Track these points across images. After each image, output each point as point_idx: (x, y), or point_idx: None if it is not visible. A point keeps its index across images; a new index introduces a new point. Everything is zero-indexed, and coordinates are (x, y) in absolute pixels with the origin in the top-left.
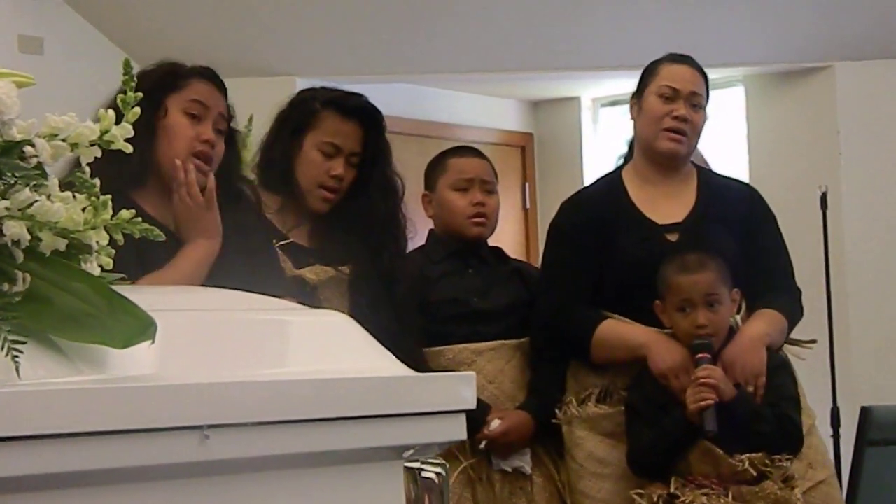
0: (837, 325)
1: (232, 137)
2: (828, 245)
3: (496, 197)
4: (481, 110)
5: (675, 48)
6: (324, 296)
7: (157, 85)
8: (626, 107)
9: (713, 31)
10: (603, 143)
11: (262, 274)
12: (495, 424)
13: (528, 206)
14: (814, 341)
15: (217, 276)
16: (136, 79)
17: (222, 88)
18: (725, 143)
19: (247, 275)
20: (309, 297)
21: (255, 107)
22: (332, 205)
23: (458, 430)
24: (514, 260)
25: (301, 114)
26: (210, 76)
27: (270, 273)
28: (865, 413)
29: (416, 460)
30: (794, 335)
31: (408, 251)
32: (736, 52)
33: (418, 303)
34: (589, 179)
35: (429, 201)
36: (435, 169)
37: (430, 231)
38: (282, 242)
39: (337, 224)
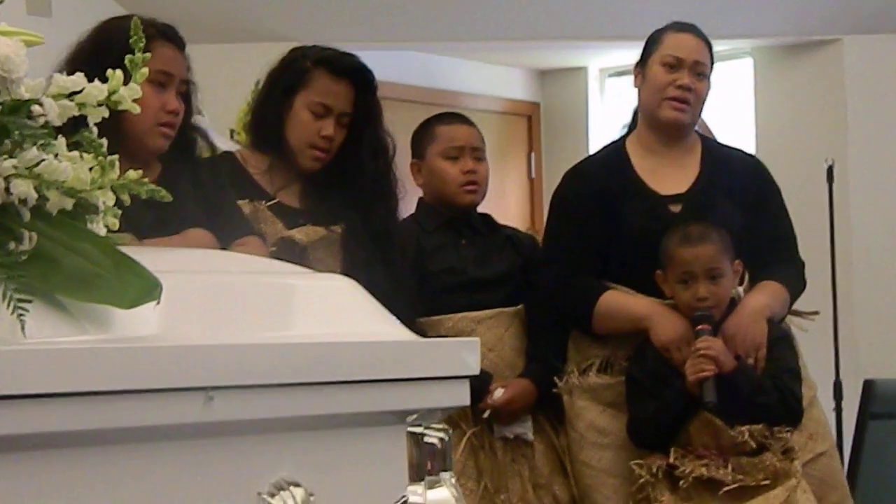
0: (841, 298)
1: (187, 91)
2: (833, 218)
3: (486, 164)
4: (488, 79)
5: (683, 18)
6: (315, 256)
7: (124, 49)
8: (634, 77)
9: (722, 1)
10: (610, 113)
11: (221, 219)
12: (499, 393)
13: (533, 175)
14: (816, 313)
15: (176, 225)
16: (96, 40)
17: (183, 47)
18: (733, 115)
19: (205, 222)
20: (298, 257)
21: (261, 72)
22: (323, 164)
23: (461, 396)
24: (505, 227)
25: (292, 73)
26: (172, 36)
27: (229, 218)
28: (868, 386)
29: (420, 425)
30: (797, 307)
31: (400, 215)
32: (744, 23)
33: (416, 272)
34: (595, 149)
35: (418, 170)
36: (423, 137)
37: (420, 199)
38: (269, 203)
39: (327, 184)
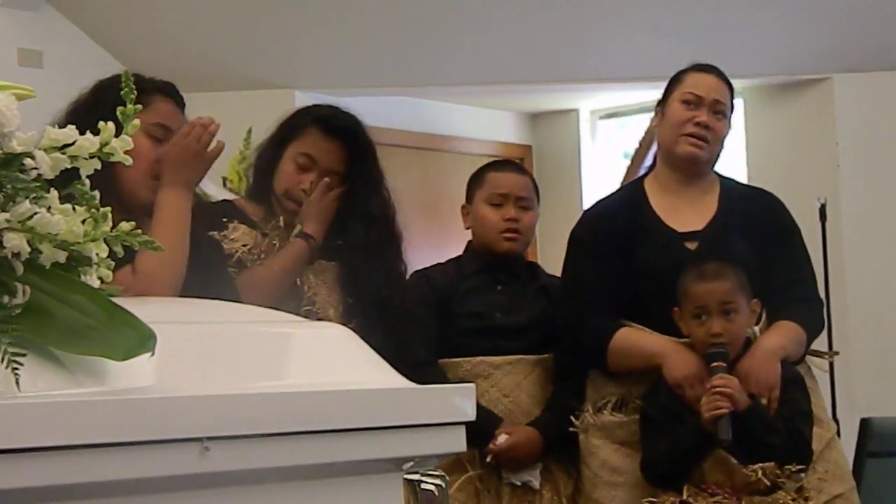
0: (837, 337)
1: None
2: (827, 257)
3: (532, 213)
4: (480, 123)
5: (673, 60)
6: (312, 282)
7: (119, 102)
8: (624, 119)
9: (711, 43)
10: (601, 155)
11: (212, 289)
12: (502, 439)
13: None
14: (836, 353)
15: None
16: (95, 93)
17: (182, 105)
18: (724, 155)
19: (196, 288)
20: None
21: (254, 119)
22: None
23: (457, 442)
24: (546, 275)
25: (291, 126)
26: (172, 93)
27: (221, 290)
28: (865, 424)
29: (416, 472)
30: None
31: (402, 281)
32: (734, 63)
33: (443, 313)
34: (588, 191)
35: (466, 213)
36: (474, 182)
37: (469, 242)
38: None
39: (323, 251)
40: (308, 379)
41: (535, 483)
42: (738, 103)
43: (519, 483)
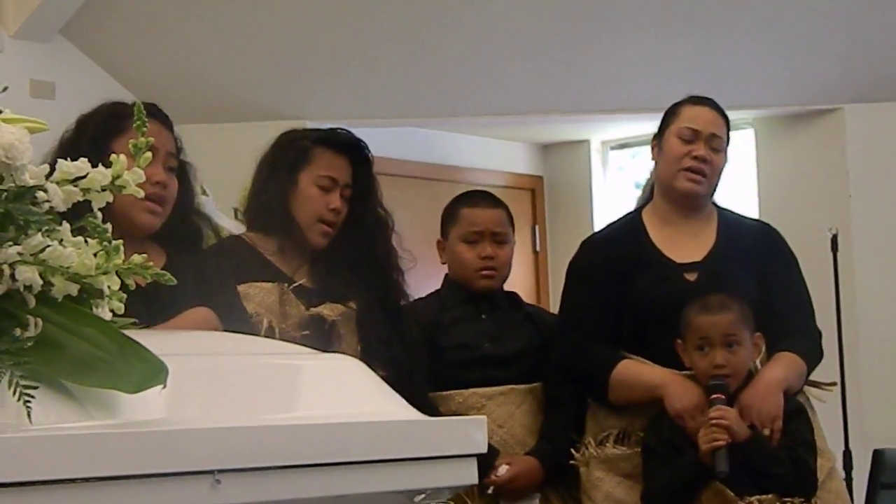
0: (849, 368)
1: (184, 171)
2: (838, 288)
3: (508, 247)
4: (491, 154)
5: (684, 91)
6: (341, 331)
7: (102, 129)
8: (636, 149)
9: (723, 73)
10: (612, 185)
11: (224, 314)
12: (502, 470)
13: (538, 249)
14: (834, 383)
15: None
16: (79, 124)
17: (168, 124)
18: (735, 186)
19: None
20: (328, 333)
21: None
22: (329, 240)
23: (468, 474)
24: (528, 305)
25: (293, 152)
26: (154, 113)
27: (232, 313)
28: (878, 456)
29: None
30: (812, 377)
31: (406, 287)
32: (746, 94)
33: (430, 346)
34: (599, 222)
35: (442, 248)
36: (448, 218)
37: (446, 276)
38: (293, 286)
39: (335, 261)
40: (319, 411)
41: None
42: (749, 134)
43: None
